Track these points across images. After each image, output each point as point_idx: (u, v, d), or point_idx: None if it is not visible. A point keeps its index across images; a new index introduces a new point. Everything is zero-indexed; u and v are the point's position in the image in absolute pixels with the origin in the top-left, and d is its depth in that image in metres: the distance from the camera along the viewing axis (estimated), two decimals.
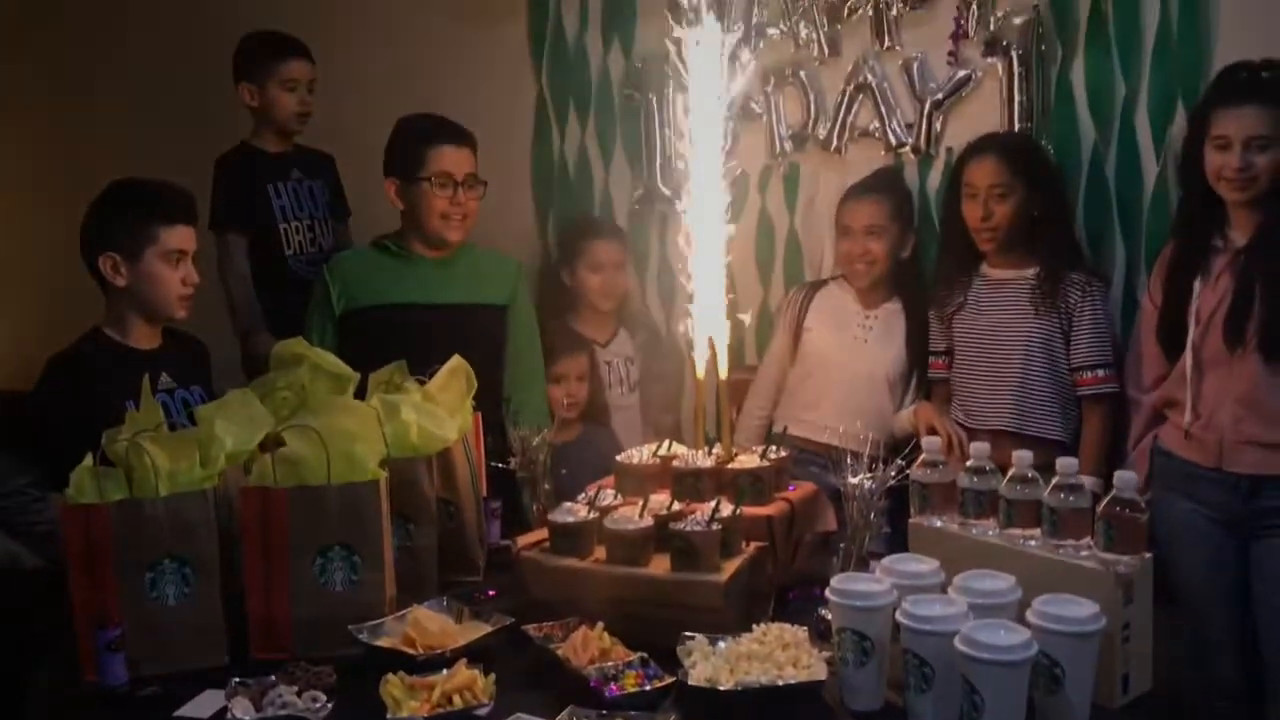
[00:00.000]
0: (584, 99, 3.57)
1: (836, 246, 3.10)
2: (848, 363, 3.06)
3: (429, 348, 2.48)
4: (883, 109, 3.12)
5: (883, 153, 3.15)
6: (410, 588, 2.12)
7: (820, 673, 1.71)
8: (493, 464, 2.47)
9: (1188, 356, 2.48)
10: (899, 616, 1.63)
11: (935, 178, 3.11)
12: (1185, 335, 2.49)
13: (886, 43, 3.10)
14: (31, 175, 4.37)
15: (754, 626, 1.86)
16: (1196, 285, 2.47)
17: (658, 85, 3.40)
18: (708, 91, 2.28)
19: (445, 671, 1.76)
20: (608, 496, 2.15)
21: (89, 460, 1.95)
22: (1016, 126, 2.92)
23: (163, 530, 1.93)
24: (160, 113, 3.98)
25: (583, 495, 2.18)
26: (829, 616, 1.92)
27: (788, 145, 3.28)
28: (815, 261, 3.28)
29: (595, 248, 3.32)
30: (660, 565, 1.97)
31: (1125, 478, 1.71)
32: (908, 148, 3.12)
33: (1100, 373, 2.72)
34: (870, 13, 3.10)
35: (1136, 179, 2.86)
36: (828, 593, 1.73)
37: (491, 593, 2.23)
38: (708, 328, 2.32)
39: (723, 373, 2.33)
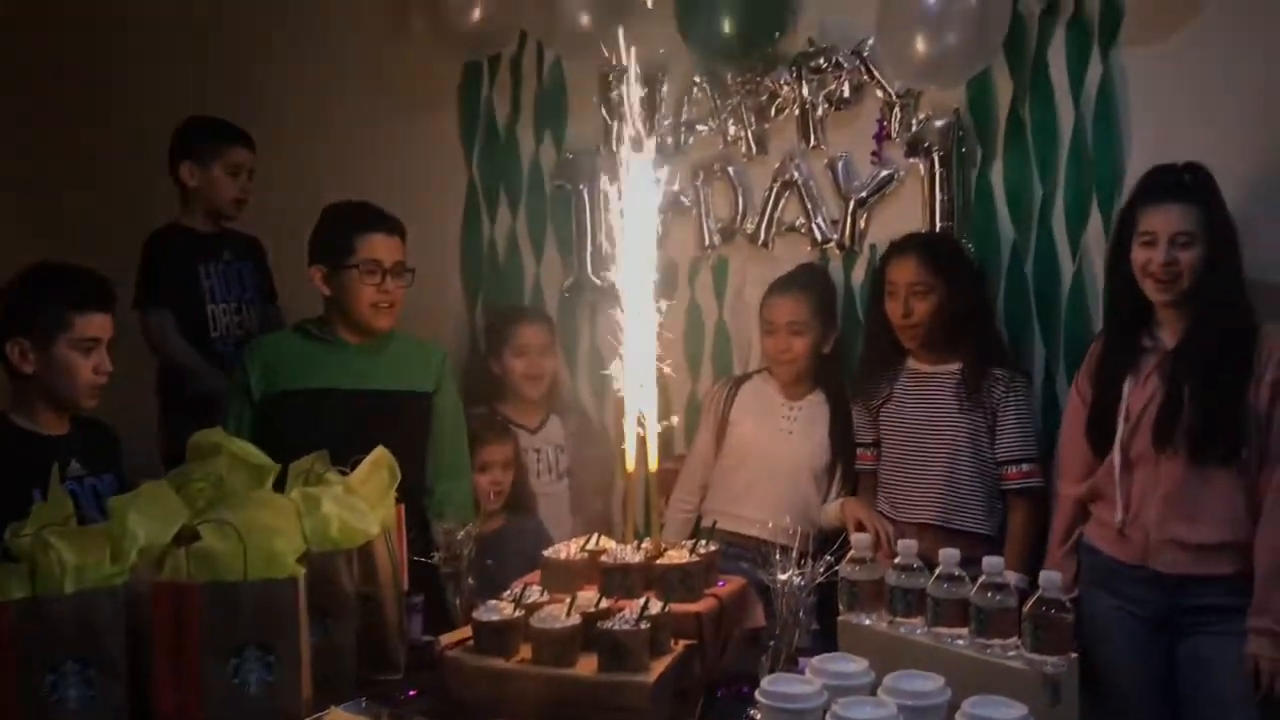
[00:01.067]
0: (515, 188, 3.60)
1: (761, 341, 3.13)
2: (773, 455, 3.07)
3: (351, 436, 2.42)
4: (809, 205, 3.18)
5: (808, 248, 3.21)
6: (327, 687, 2.04)
7: None
8: (415, 558, 2.41)
9: (1116, 454, 2.52)
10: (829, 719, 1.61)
11: (860, 273, 3.17)
12: (1114, 432, 2.53)
13: (813, 142, 3.17)
14: None
15: None
16: (1127, 384, 2.52)
17: (589, 176, 3.44)
18: (640, 182, 2.29)
19: None
20: (534, 593, 2.11)
21: None
22: (938, 225, 2.99)
23: (66, 629, 1.84)
24: (83, 191, 3.92)
25: (508, 592, 2.14)
26: (758, 717, 1.91)
27: (716, 238, 3.33)
28: (744, 353, 3.31)
29: (521, 333, 3.32)
30: (588, 665, 1.93)
31: (1051, 577, 1.72)
32: (833, 243, 3.17)
33: (1025, 467, 2.76)
34: (797, 112, 3.17)
35: (1054, 277, 2.93)
36: (757, 694, 1.71)
37: (412, 693, 2.15)
38: (636, 420, 2.31)
39: (652, 465, 2.32)
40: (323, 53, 3.75)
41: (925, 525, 2.76)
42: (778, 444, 3.08)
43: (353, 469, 2.31)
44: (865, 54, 3.06)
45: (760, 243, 3.26)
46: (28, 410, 2.30)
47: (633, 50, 2.30)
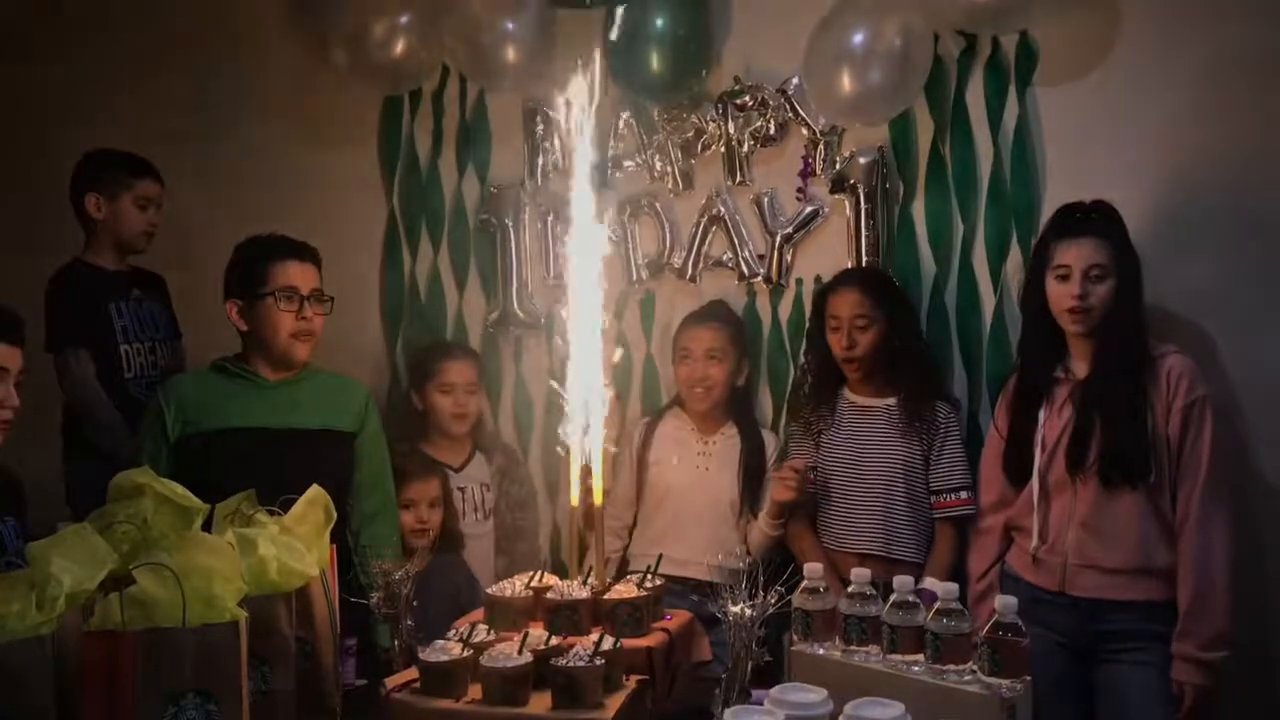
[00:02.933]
0: (437, 222, 3.56)
1: (676, 371, 3.15)
2: (692, 493, 3.10)
3: (272, 476, 2.34)
4: (735, 240, 3.22)
5: (735, 282, 3.24)
6: None
7: None
8: (353, 599, 2.35)
9: (1034, 482, 2.58)
10: None
11: (787, 307, 3.20)
12: (1031, 462, 2.60)
13: (738, 178, 3.21)
14: None
15: None
16: (1041, 414, 2.59)
17: (513, 209, 3.43)
18: (583, 211, 2.29)
19: None
20: (480, 632, 2.07)
21: None
22: (863, 260, 3.05)
23: None
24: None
25: (453, 631, 2.09)
26: None
27: (644, 273, 3.34)
28: (672, 387, 3.31)
29: (446, 369, 3.27)
30: (540, 703, 1.90)
31: (1008, 602, 1.75)
32: (759, 277, 3.21)
33: (963, 494, 2.82)
34: (723, 149, 3.21)
35: (976, 310, 3.01)
36: None
37: None
38: (582, 453, 2.30)
39: (597, 499, 2.30)
40: (239, 85, 3.67)
41: (865, 555, 2.80)
42: (695, 481, 3.10)
43: (284, 509, 2.24)
44: (790, 92, 3.12)
45: (688, 277, 3.27)
46: None
47: (576, 83, 2.30)
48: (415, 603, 2.36)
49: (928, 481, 2.86)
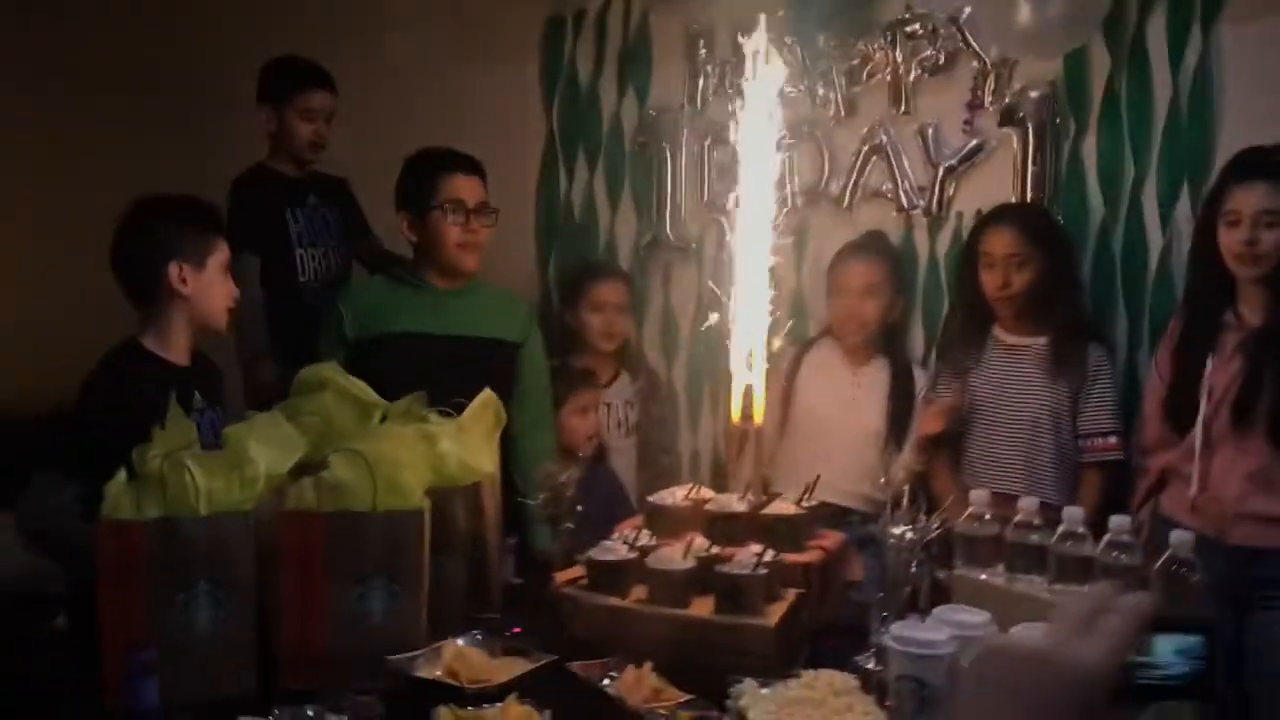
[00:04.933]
0: (594, 143, 3.60)
1: (831, 304, 3.15)
2: (841, 423, 3.10)
3: (442, 379, 2.43)
4: (896, 171, 3.19)
5: (894, 213, 3.22)
6: (436, 621, 2.07)
7: None
8: (518, 499, 2.44)
9: (1198, 432, 2.54)
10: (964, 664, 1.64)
11: (945, 240, 3.18)
12: (1194, 410, 2.55)
13: (903, 108, 3.17)
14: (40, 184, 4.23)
15: (800, 673, 1.86)
16: (1209, 362, 2.54)
17: (671, 134, 3.45)
18: (760, 120, 2.30)
19: (494, 705, 1.74)
20: (644, 537, 2.14)
21: (123, 475, 1.90)
22: (1028, 196, 3.00)
23: (200, 551, 1.88)
24: (175, 128, 3.92)
25: (617, 535, 2.17)
26: (870, 666, 1.95)
27: (799, 200, 3.33)
28: (822, 316, 3.32)
29: (599, 289, 3.34)
30: (701, 607, 1.96)
31: (1182, 537, 1.75)
32: (919, 209, 3.18)
33: (1112, 439, 2.79)
34: (888, 77, 3.17)
35: (1142, 254, 2.95)
36: (887, 639, 1.74)
37: (516, 630, 2.19)
38: (745, 369, 2.34)
39: (758, 417, 2.34)
40: None
41: (1005, 495, 2.79)
42: (845, 411, 3.11)
43: (453, 411, 2.33)
44: (962, 21, 3.06)
45: (845, 206, 3.26)
46: (163, 337, 2.33)
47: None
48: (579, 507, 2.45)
49: (1075, 424, 2.83)
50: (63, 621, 2.44)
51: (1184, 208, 2.88)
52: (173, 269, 2.30)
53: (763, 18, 2.33)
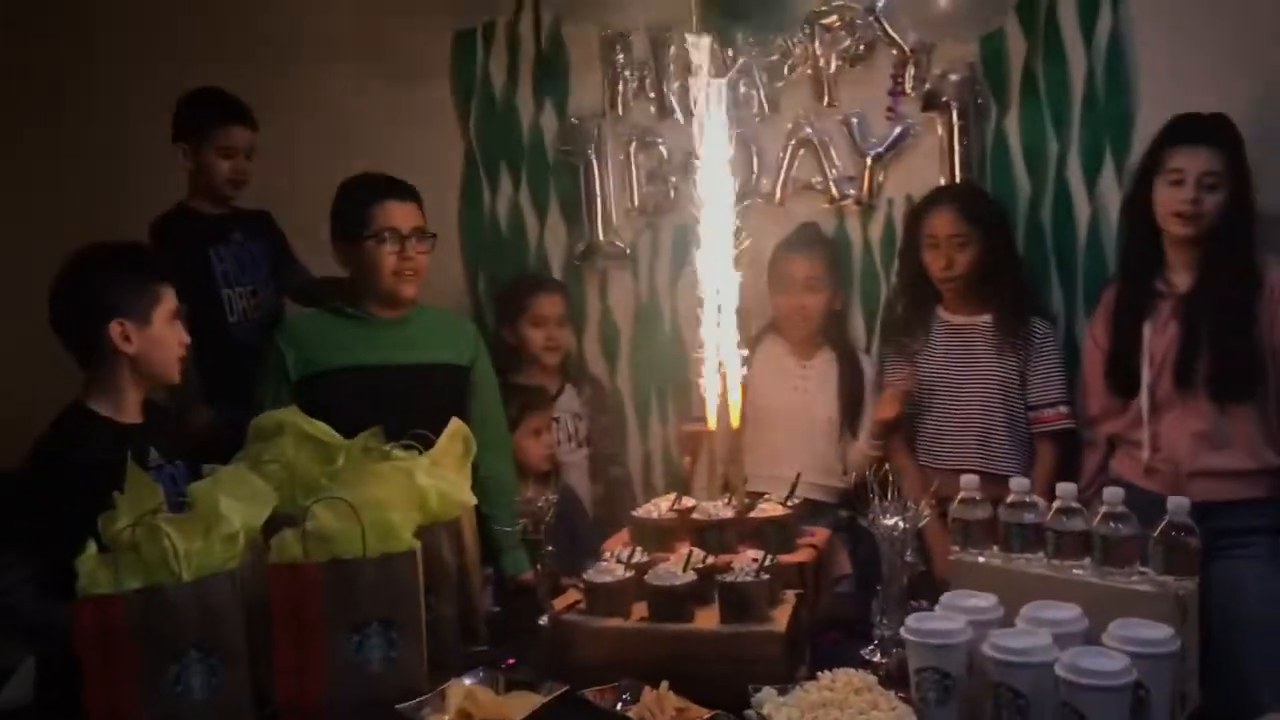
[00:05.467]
0: (515, 156, 3.55)
1: (773, 300, 3.16)
2: (791, 416, 3.11)
3: (393, 410, 2.38)
4: (825, 163, 3.21)
5: (825, 205, 3.24)
6: (432, 662, 2.02)
7: (909, 715, 1.71)
8: (495, 527, 2.40)
9: (1144, 398, 2.62)
10: (988, 651, 1.65)
11: (878, 228, 3.22)
12: (1136, 377, 2.63)
13: (827, 100, 3.20)
14: None
15: (813, 674, 1.86)
16: (1146, 329, 2.62)
17: (594, 141, 3.42)
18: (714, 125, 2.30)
19: None
20: (637, 553, 2.11)
21: (93, 548, 1.81)
22: (957, 177, 3.05)
23: (187, 617, 1.80)
24: (94, 171, 3.77)
25: (608, 554, 2.14)
26: (875, 659, 1.96)
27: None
28: (764, 313, 3.33)
29: (538, 303, 3.30)
30: (705, 619, 1.95)
31: (1180, 503, 1.79)
32: (850, 199, 3.21)
33: (1062, 409, 2.85)
34: (809, 71, 3.19)
35: (1070, 225, 3.03)
36: (903, 631, 1.75)
37: (511, 661, 2.15)
38: (716, 375, 2.33)
39: (734, 420, 2.33)
40: (314, 23, 3.63)
41: (963, 472, 2.83)
42: (797, 405, 3.12)
43: (418, 443, 2.27)
44: (879, 10, 3.09)
45: (777, 201, 3.27)
46: (112, 396, 2.22)
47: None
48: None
49: (1025, 397, 2.89)
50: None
51: (1108, 177, 2.96)
52: (114, 328, 2.17)
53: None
